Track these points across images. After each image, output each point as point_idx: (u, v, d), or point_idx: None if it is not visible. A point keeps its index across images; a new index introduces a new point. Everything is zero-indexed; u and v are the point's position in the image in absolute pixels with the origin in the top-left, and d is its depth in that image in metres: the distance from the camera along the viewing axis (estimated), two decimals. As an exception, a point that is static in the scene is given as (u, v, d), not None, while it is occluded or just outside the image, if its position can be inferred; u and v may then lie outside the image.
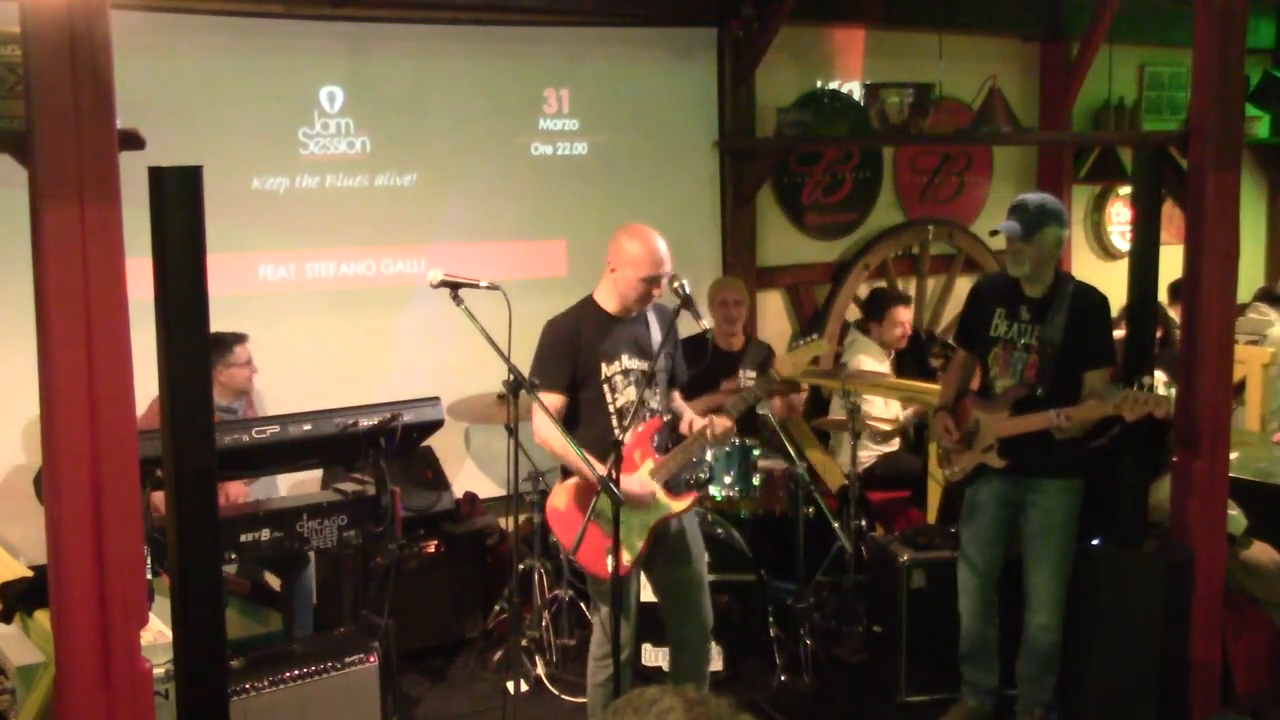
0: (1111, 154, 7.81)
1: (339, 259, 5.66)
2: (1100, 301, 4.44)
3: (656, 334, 4.15)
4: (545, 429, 3.95)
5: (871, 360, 6.36)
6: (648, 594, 4.42)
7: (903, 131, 6.05)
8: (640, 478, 4.03)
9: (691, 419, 4.17)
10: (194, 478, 3.06)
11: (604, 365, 4.05)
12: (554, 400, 4.00)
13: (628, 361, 4.07)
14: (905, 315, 6.47)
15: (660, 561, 4.16)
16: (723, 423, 4.04)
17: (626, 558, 3.97)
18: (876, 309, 6.54)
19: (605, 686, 4.04)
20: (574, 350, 4.03)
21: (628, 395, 4.05)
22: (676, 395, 4.32)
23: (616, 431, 3.93)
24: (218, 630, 3.18)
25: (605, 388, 4.04)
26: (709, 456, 5.14)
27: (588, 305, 4.14)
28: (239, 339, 5.00)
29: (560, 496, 4.10)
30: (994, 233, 4.48)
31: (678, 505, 4.10)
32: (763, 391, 4.11)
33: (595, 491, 3.79)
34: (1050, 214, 4.35)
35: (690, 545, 4.19)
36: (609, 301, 4.11)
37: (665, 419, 4.16)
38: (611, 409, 4.04)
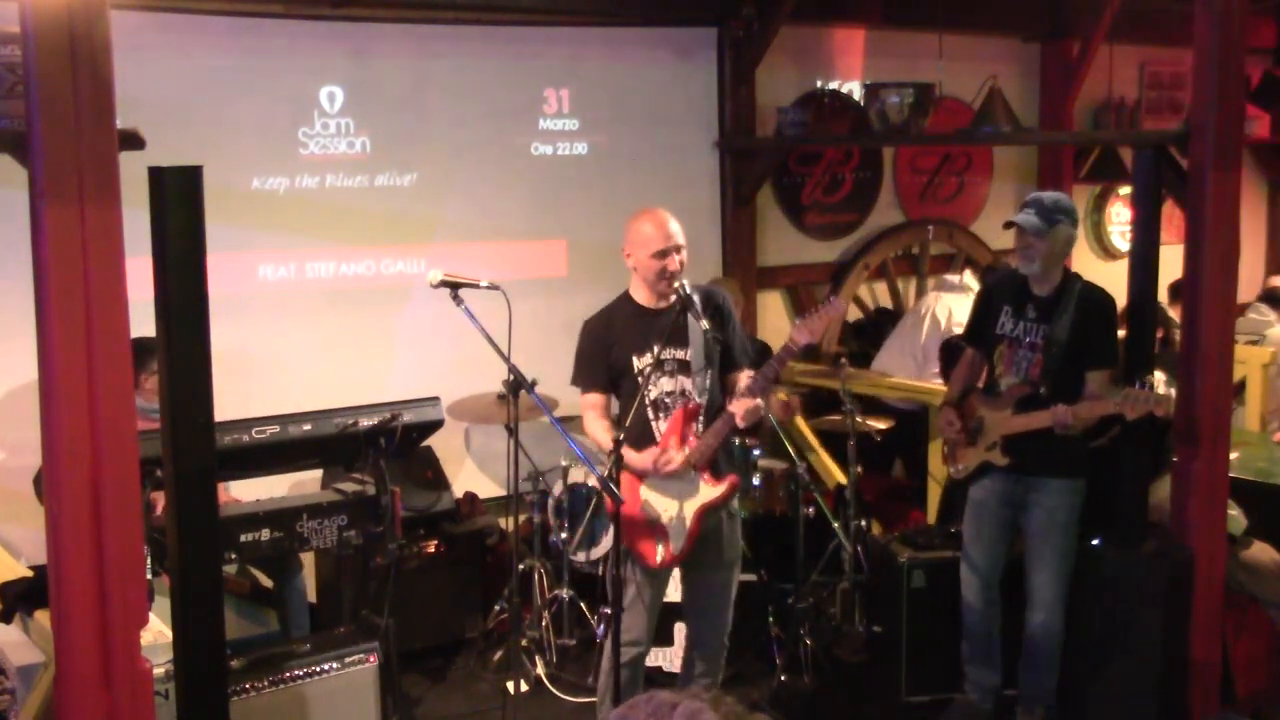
0: (1111, 154, 7.81)
1: (339, 259, 5.65)
2: (1107, 302, 4.44)
3: (702, 322, 4.00)
4: (586, 425, 4.10)
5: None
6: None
7: (903, 131, 6.04)
8: (652, 453, 4.02)
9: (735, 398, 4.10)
10: (194, 478, 3.07)
11: (635, 359, 4.06)
12: (597, 399, 4.10)
13: (661, 352, 4.03)
14: None
15: (694, 561, 4.15)
16: (745, 403, 3.97)
17: (673, 546, 4.04)
18: None
19: (625, 670, 4.04)
20: (606, 347, 4.08)
21: (662, 386, 4.05)
22: (742, 377, 4.13)
23: (652, 425, 4.03)
24: (218, 630, 3.19)
25: (640, 380, 4.05)
26: None
27: (621, 300, 4.17)
28: None
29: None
30: (1009, 224, 4.45)
31: (714, 491, 4.06)
32: (780, 364, 4.04)
33: (637, 484, 4.00)
34: (1064, 211, 4.37)
35: (725, 550, 4.18)
36: (638, 293, 4.13)
37: (699, 404, 4.07)
38: (647, 400, 4.05)
